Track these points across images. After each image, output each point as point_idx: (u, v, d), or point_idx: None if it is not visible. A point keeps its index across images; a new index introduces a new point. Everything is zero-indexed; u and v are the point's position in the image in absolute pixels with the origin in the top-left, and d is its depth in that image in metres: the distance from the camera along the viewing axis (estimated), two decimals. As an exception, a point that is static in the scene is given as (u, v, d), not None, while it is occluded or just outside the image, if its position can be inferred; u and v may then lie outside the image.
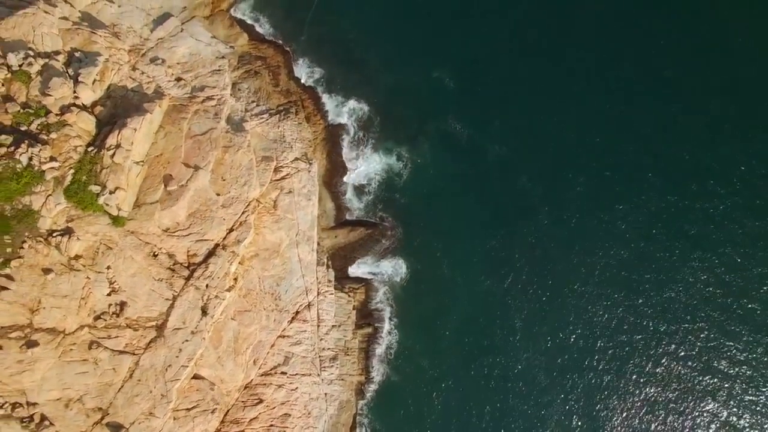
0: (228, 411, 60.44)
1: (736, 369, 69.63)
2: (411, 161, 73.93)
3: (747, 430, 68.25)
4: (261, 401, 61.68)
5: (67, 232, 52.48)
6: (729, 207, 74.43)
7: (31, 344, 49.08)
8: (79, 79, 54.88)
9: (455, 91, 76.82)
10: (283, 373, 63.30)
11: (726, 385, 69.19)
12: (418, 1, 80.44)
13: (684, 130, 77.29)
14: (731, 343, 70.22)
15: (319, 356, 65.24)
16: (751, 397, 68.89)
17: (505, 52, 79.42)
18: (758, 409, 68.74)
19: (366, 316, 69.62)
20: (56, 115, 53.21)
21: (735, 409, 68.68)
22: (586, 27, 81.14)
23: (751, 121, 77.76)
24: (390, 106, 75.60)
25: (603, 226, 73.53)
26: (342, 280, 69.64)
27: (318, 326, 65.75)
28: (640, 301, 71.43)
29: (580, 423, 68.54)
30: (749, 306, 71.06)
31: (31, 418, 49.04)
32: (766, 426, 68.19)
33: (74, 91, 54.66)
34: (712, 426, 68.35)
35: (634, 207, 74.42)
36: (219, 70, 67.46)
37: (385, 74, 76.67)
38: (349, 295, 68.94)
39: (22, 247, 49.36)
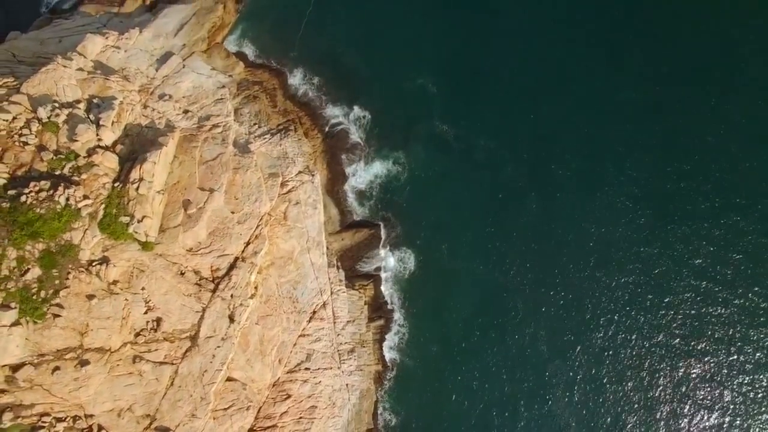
0: (260, 408, 63.22)
1: (730, 339, 73.68)
2: (405, 163, 77.39)
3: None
4: (289, 396, 64.79)
5: (104, 260, 55.62)
6: (718, 180, 78.69)
7: (84, 363, 52.35)
8: (100, 122, 58.08)
9: (438, 94, 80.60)
10: (306, 369, 66.33)
11: (723, 355, 72.95)
12: (397, 15, 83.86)
13: (669, 107, 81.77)
14: (723, 312, 74.11)
15: (338, 350, 68.41)
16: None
17: (480, 55, 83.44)
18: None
19: (377, 310, 72.68)
20: (84, 157, 56.45)
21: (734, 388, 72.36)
22: (555, 20, 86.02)
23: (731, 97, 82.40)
24: (381, 115, 79.16)
25: (590, 205, 77.44)
26: (352, 279, 72.60)
27: (334, 323, 69.01)
28: (632, 275, 75.34)
29: (583, 391, 71.83)
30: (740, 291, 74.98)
31: (90, 428, 52.37)
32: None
33: (97, 134, 57.84)
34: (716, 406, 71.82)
35: (619, 184, 78.23)
36: (221, 99, 70.47)
37: (374, 85, 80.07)
38: (359, 292, 72.10)
39: (68, 278, 52.59)
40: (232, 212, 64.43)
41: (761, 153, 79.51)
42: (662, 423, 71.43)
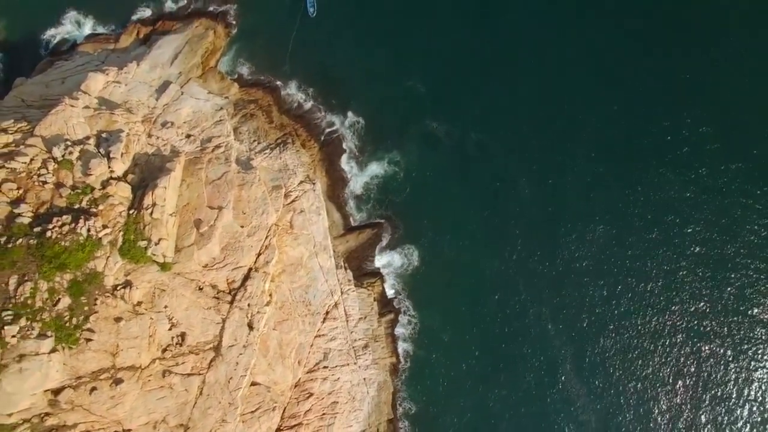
0: (285, 408, 66.13)
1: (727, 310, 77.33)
2: (401, 163, 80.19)
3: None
4: (311, 395, 67.74)
5: (128, 284, 58.04)
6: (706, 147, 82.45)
7: (118, 381, 55.09)
8: (111, 155, 60.67)
9: (427, 94, 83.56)
10: (325, 367, 69.25)
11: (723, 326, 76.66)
12: (381, 22, 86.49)
13: (653, 91, 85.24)
14: (714, 279, 77.87)
15: (353, 347, 71.21)
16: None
17: (465, 53, 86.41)
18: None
19: (386, 305, 75.63)
20: (99, 189, 59.00)
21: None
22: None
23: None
24: (374, 118, 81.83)
25: (580, 187, 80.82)
26: (360, 278, 75.47)
27: (347, 321, 71.74)
28: (628, 250, 78.95)
29: (591, 363, 75.23)
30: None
31: (129, 442, 55.46)
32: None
33: (109, 167, 60.35)
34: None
35: (602, 163, 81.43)
36: (220, 120, 72.89)
37: (365, 91, 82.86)
38: (368, 289, 74.97)
39: (96, 304, 55.37)
40: (242, 226, 66.69)
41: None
42: (665, 389, 74.81)
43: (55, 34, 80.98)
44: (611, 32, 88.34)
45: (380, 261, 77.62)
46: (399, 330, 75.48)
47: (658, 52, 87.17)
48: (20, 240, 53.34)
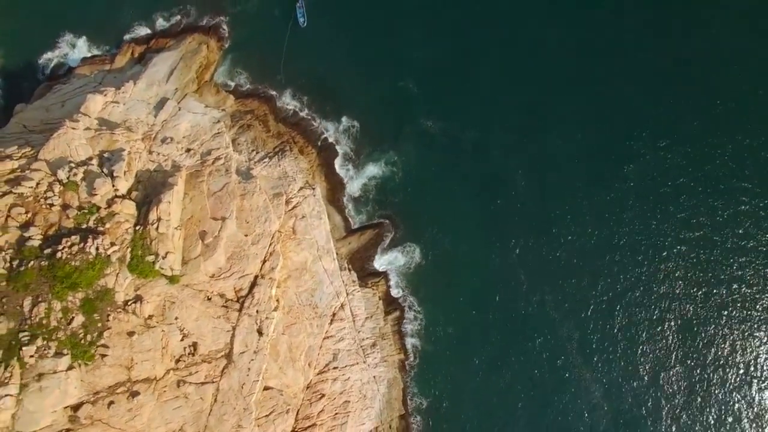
0: (298, 410, 67.23)
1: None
2: (398, 163, 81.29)
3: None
4: (323, 395, 68.85)
5: (138, 298, 58.86)
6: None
7: (135, 394, 56.09)
8: (114, 174, 61.60)
9: (420, 93, 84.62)
10: (335, 368, 70.36)
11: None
12: (369, 26, 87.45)
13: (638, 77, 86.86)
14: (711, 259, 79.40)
15: (361, 346, 72.36)
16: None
17: (454, 51, 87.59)
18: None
19: (391, 302, 76.82)
20: (105, 208, 59.95)
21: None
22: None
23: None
24: (369, 121, 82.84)
25: (575, 175, 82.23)
26: (364, 278, 76.68)
27: (354, 321, 72.87)
28: (624, 237, 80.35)
29: (596, 346, 76.50)
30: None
31: (148, 453, 56.57)
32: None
33: (113, 185, 60.96)
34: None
35: (596, 149, 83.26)
36: (218, 133, 73.59)
37: (358, 94, 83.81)
38: (372, 289, 76.22)
39: (108, 320, 56.49)
40: (246, 235, 67.68)
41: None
42: (667, 365, 76.35)
43: (51, 58, 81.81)
44: (606, 22, 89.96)
45: (383, 260, 78.64)
46: (405, 326, 76.51)
47: (654, 41, 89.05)
48: (32, 262, 54.47)
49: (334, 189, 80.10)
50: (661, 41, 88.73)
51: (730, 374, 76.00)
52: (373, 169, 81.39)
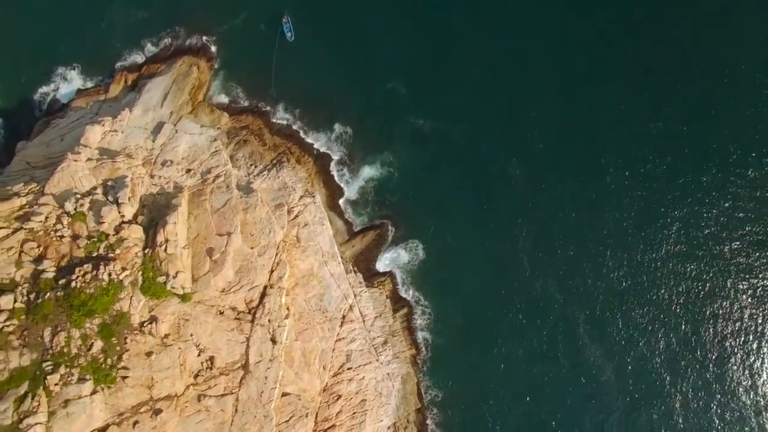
0: (317, 413, 68.69)
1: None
2: (393, 163, 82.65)
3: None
4: (340, 397, 70.33)
5: (153, 319, 60.15)
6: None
7: (157, 412, 57.51)
8: (119, 201, 62.92)
9: (409, 94, 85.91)
10: (349, 369, 71.86)
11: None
12: (355, 33, 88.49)
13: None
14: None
15: (373, 345, 73.81)
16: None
17: (440, 50, 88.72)
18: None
19: (399, 300, 78.32)
20: (113, 235, 61.41)
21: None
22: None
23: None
24: (362, 125, 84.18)
25: (568, 164, 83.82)
26: (370, 278, 78.13)
27: (364, 321, 74.29)
28: (618, 223, 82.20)
29: (604, 324, 78.58)
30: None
31: (175, 469, 58.18)
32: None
33: (119, 212, 62.41)
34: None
35: (582, 138, 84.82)
36: (216, 151, 74.78)
37: (349, 100, 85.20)
38: (379, 288, 77.65)
39: (126, 342, 58.01)
40: (251, 248, 69.06)
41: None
42: (673, 340, 78.16)
43: (47, 92, 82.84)
44: (594, 18, 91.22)
45: (387, 259, 79.99)
46: (415, 322, 77.84)
47: (646, 38, 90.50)
48: (48, 294, 56.07)
49: (334, 194, 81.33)
50: (642, 32, 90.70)
51: (747, 351, 78.30)
52: (369, 172, 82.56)
